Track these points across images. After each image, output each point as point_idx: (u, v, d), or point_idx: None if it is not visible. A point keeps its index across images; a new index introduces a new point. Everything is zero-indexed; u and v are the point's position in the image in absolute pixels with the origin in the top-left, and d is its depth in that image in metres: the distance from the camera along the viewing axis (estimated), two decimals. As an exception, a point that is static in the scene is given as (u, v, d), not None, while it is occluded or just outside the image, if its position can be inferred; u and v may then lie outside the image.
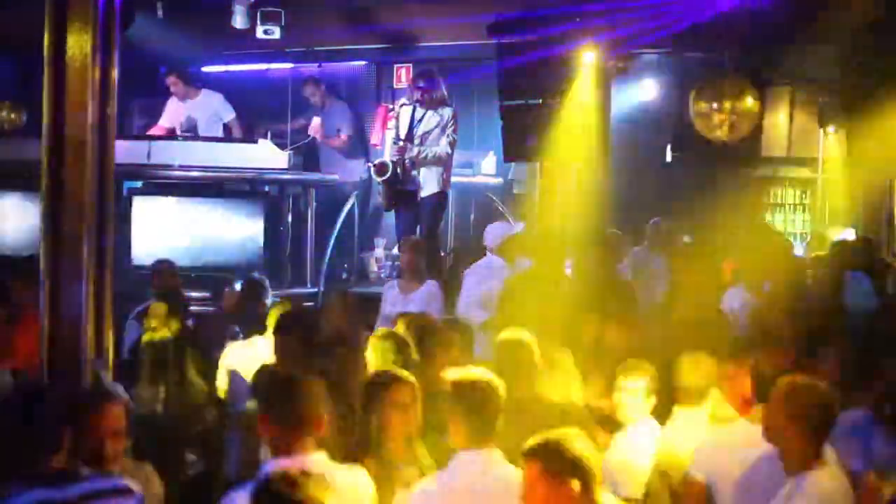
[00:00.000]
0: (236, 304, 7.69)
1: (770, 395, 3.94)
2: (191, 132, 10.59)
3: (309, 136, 11.23)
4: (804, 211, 14.39)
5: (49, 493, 3.46)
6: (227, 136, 10.85)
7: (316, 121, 11.33)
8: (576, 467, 3.52)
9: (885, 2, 8.81)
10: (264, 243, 9.87)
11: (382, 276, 10.57)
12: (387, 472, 4.21)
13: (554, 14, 9.44)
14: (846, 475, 3.99)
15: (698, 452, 4.45)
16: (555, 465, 3.51)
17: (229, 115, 10.99)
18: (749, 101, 9.41)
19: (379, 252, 10.89)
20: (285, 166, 10.12)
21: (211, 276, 9.05)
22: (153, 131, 10.94)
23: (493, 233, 8.10)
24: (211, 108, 10.95)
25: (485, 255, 8.05)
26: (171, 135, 10.77)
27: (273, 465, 3.64)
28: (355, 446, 4.40)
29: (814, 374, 4.05)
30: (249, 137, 10.70)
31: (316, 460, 3.73)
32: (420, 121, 9.43)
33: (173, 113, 10.97)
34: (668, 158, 12.46)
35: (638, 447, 4.89)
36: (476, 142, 11.61)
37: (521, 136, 9.52)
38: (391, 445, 4.31)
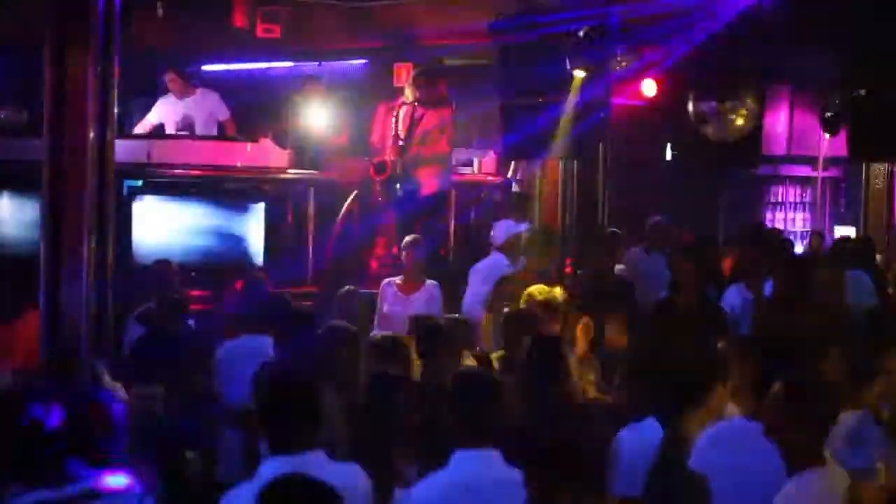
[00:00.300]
0: (236, 302, 7.68)
1: (771, 394, 3.94)
2: (188, 131, 10.57)
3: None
4: (804, 210, 14.39)
5: (48, 492, 3.46)
6: (226, 135, 10.84)
7: (316, 120, 11.29)
8: (581, 472, 3.51)
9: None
10: (264, 243, 9.86)
11: (382, 275, 10.55)
12: (387, 471, 4.21)
13: (554, 13, 9.44)
14: (846, 475, 3.99)
15: (698, 450, 4.45)
16: (558, 468, 3.51)
17: (225, 114, 10.97)
18: (749, 101, 9.41)
19: (379, 252, 10.87)
20: (285, 166, 10.11)
21: (211, 275, 9.04)
22: (140, 128, 10.90)
23: (498, 231, 8.11)
24: (208, 107, 10.91)
25: (489, 253, 8.06)
26: (160, 132, 10.75)
27: (272, 464, 3.64)
28: (356, 445, 4.40)
29: (814, 374, 4.04)
30: (250, 137, 10.69)
31: (315, 459, 3.72)
32: (420, 119, 9.42)
33: (168, 111, 10.92)
34: (668, 158, 12.45)
35: (639, 445, 4.89)
36: (476, 141, 11.59)
37: (521, 136, 9.52)
38: (392, 445, 4.31)
